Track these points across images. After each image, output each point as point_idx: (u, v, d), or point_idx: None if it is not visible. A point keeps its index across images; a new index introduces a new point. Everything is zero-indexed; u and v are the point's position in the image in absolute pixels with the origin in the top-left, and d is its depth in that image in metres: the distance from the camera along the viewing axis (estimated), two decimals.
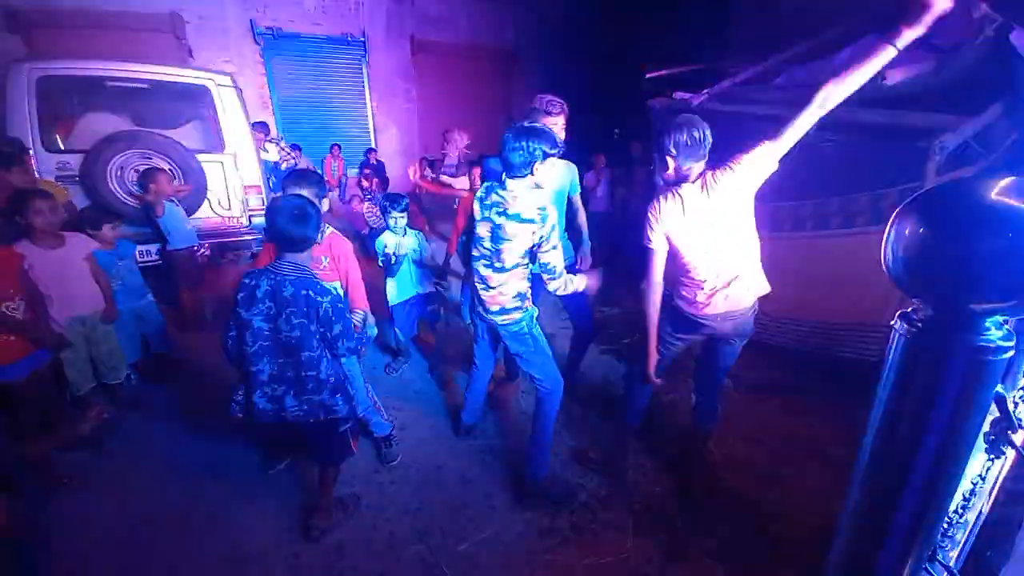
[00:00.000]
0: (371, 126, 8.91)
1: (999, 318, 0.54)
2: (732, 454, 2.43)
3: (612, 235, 5.69)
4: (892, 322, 0.59)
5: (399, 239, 2.82)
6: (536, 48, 9.44)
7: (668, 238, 1.83)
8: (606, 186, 6.06)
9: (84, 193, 3.58)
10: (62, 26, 5.98)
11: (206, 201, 4.12)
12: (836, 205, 2.71)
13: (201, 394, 2.88)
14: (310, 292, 1.61)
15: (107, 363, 2.62)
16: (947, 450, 0.57)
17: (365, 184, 6.10)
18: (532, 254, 1.87)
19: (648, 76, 4.64)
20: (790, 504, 2.10)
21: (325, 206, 2.01)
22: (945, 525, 0.87)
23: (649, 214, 1.83)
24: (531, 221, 1.75)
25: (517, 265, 1.87)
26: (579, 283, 2.01)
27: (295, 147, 7.32)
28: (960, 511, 0.91)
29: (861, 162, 2.72)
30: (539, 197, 1.81)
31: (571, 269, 2.61)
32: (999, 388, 0.57)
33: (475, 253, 1.95)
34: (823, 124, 2.68)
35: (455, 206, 4.16)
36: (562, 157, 2.46)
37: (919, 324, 0.56)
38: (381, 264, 2.84)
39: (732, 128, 3.14)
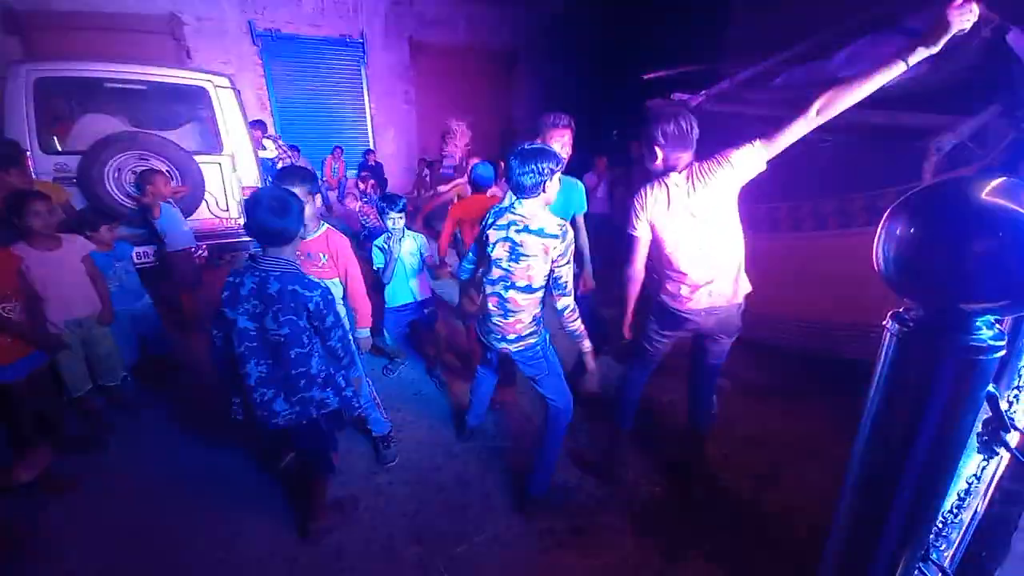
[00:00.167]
0: (369, 127, 8.91)
1: (990, 318, 0.54)
2: (731, 454, 2.43)
3: (612, 236, 5.69)
4: (884, 322, 0.59)
5: (395, 243, 2.80)
6: (535, 49, 9.45)
7: (652, 227, 1.85)
8: (606, 187, 6.07)
9: (81, 194, 3.57)
10: (60, 27, 6.00)
11: (204, 202, 4.12)
12: (833, 205, 2.71)
13: (199, 396, 2.88)
14: (297, 288, 1.56)
15: (104, 365, 2.61)
16: (939, 450, 0.57)
17: (361, 186, 6.09)
18: (550, 274, 1.82)
19: (646, 77, 4.64)
20: (789, 504, 2.11)
21: (318, 202, 2.00)
22: (940, 525, 0.87)
23: (634, 202, 1.86)
24: (554, 236, 1.73)
25: (542, 287, 1.83)
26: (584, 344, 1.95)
27: (294, 148, 7.33)
28: (955, 511, 0.91)
29: (858, 162, 2.73)
30: (552, 216, 1.81)
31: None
32: (991, 388, 0.57)
33: (492, 277, 1.86)
34: (821, 125, 2.68)
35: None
36: (565, 172, 2.48)
37: (910, 324, 0.56)
38: (376, 271, 2.82)
39: (731, 128, 3.14)
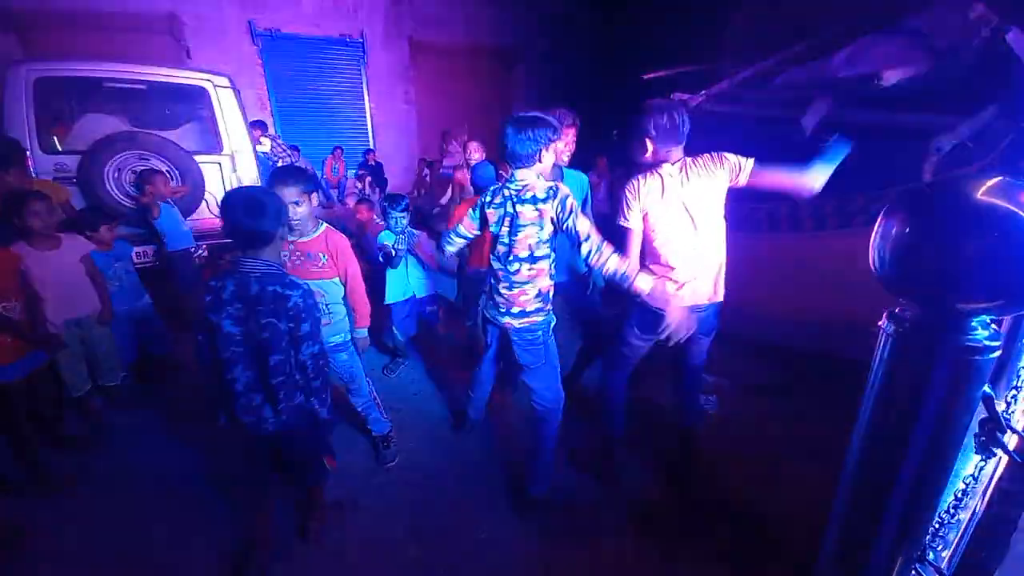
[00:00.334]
0: (369, 127, 8.91)
1: (986, 318, 0.54)
2: (731, 453, 2.42)
3: (614, 235, 5.68)
4: (880, 322, 0.59)
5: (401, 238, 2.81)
6: (535, 49, 9.45)
7: (645, 218, 1.84)
8: (607, 187, 6.07)
9: (81, 194, 3.57)
10: (59, 27, 5.99)
11: (204, 202, 4.12)
12: (833, 205, 2.71)
13: (198, 395, 2.88)
14: (277, 288, 1.49)
15: (104, 364, 2.62)
16: (934, 450, 0.57)
17: (359, 185, 6.10)
18: (551, 241, 1.79)
19: (646, 77, 4.65)
20: (789, 503, 2.10)
21: (315, 201, 2.00)
22: (937, 525, 0.87)
23: (627, 192, 1.83)
24: (545, 200, 1.71)
25: (545, 256, 1.79)
26: (642, 283, 1.71)
27: (294, 147, 7.34)
28: (953, 511, 0.91)
29: (858, 162, 2.72)
30: (543, 181, 1.77)
31: (581, 287, 2.60)
32: (986, 388, 0.57)
33: (497, 252, 1.85)
34: (823, 124, 2.69)
35: (453, 208, 4.15)
36: (569, 166, 2.47)
37: (906, 324, 0.56)
38: (381, 259, 2.83)
39: (731, 128, 3.15)
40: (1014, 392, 0.83)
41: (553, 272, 1.88)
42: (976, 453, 0.77)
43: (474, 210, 1.92)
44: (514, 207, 1.74)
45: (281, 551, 1.89)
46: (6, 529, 1.99)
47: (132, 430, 2.65)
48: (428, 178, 8.04)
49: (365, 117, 8.83)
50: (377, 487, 2.25)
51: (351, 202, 5.12)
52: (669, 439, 2.39)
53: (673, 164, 1.78)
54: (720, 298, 1.96)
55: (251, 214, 1.46)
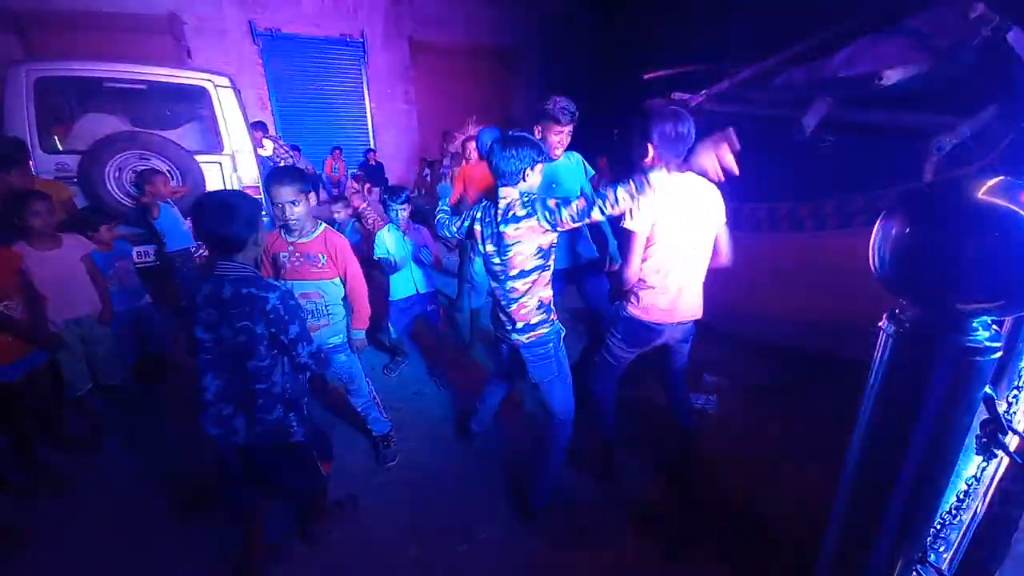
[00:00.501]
0: (370, 127, 8.91)
1: (987, 319, 0.54)
2: (731, 453, 2.42)
3: (615, 235, 5.68)
4: (880, 322, 0.59)
5: (396, 240, 2.81)
6: (535, 48, 9.45)
7: (653, 225, 1.81)
8: (608, 187, 6.05)
9: (82, 194, 3.58)
10: (60, 27, 6.00)
11: None
12: (833, 205, 2.70)
13: (198, 396, 2.87)
14: (252, 290, 1.43)
15: (104, 364, 2.61)
16: (935, 452, 0.56)
17: (355, 185, 6.10)
18: (546, 252, 1.78)
19: (647, 76, 4.64)
20: (789, 503, 2.10)
21: (312, 201, 2.01)
22: (939, 526, 0.86)
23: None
24: (528, 216, 1.69)
25: (536, 268, 1.78)
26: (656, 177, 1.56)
27: (294, 147, 7.33)
28: (954, 512, 0.91)
29: (858, 162, 2.72)
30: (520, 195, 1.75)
31: (595, 268, 2.60)
32: (987, 389, 0.56)
33: (492, 272, 1.85)
34: (823, 124, 2.68)
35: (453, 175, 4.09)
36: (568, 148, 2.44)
37: (906, 324, 0.56)
38: (377, 261, 2.83)
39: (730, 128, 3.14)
40: (1015, 392, 0.83)
41: (550, 283, 1.87)
42: (977, 454, 0.76)
43: (463, 222, 1.91)
44: (499, 227, 1.74)
45: (280, 552, 1.89)
46: (6, 529, 1.99)
47: (132, 430, 2.65)
48: (429, 178, 8.04)
49: (365, 117, 8.83)
50: (377, 487, 2.25)
51: (357, 201, 5.11)
52: (669, 439, 2.39)
53: (682, 173, 1.73)
54: (700, 312, 1.99)
55: (222, 218, 1.42)
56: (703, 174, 1.56)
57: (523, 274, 1.77)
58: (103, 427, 2.61)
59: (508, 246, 1.74)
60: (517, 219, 1.70)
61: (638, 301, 1.91)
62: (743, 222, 3.15)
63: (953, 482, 0.82)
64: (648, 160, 1.78)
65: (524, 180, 1.73)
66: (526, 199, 1.71)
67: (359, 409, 2.32)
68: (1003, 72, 2.23)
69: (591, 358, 2.85)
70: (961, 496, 0.91)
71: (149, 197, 3.35)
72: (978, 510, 0.97)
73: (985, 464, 0.87)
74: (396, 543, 1.97)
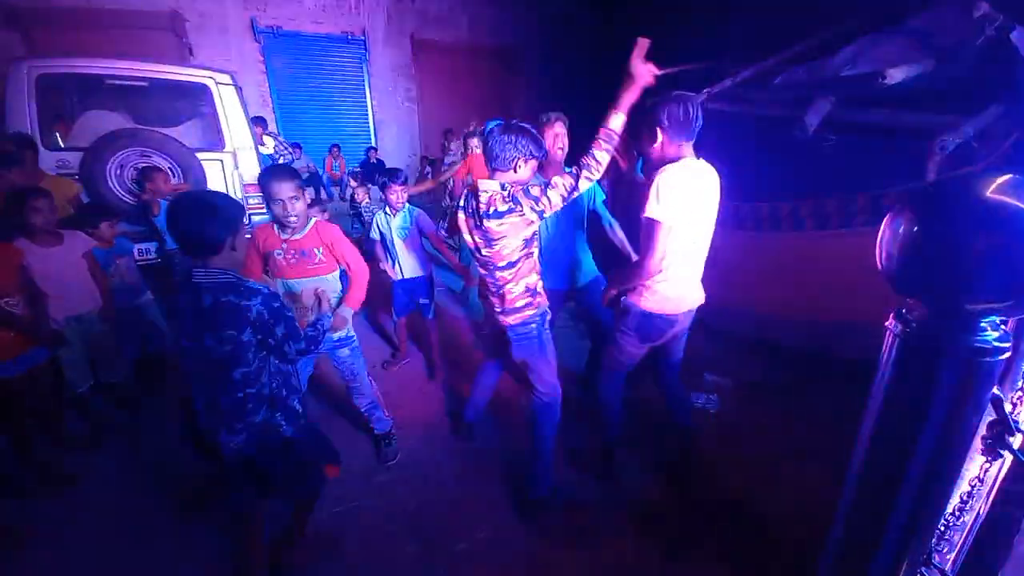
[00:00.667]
0: (371, 125, 8.92)
1: (995, 318, 0.53)
2: (731, 453, 2.42)
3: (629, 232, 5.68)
4: (887, 322, 0.58)
5: (390, 221, 2.85)
6: (536, 47, 9.43)
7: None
8: (609, 185, 6.05)
9: (83, 191, 3.57)
10: (62, 24, 5.99)
11: None
12: (835, 204, 2.70)
13: (189, 404, 2.87)
14: (231, 298, 1.37)
15: (105, 361, 2.61)
16: (942, 453, 0.56)
17: (353, 183, 6.10)
18: (529, 240, 1.78)
19: None
20: (789, 503, 2.10)
21: (307, 197, 2.00)
22: (942, 527, 0.86)
23: (660, 182, 1.65)
24: (511, 210, 1.67)
25: (525, 255, 1.78)
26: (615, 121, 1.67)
27: (296, 145, 7.33)
28: (958, 513, 0.90)
29: (861, 161, 2.72)
30: (499, 189, 1.72)
31: (594, 288, 2.57)
32: (995, 390, 0.56)
33: (480, 261, 1.86)
34: (825, 123, 2.67)
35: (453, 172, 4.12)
36: (567, 163, 2.45)
37: (913, 324, 0.55)
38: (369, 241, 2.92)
39: (732, 127, 3.14)
40: (1020, 393, 0.83)
41: (539, 267, 1.88)
42: (983, 455, 0.76)
43: (446, 218, 1.93)
44: (482, 222, 1.72)
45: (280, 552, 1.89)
46: (6, 529, 1.99)
47: (133, 428, 2.65)
48: (430, 176, 8.05)
49: (367, 115, 8.83)
50: (377, 487, 2.25)
51: (361, 196, 5.14)
52: (669, 439, 2.39)
53: (697, 159, 1.74)
54: (704, 297, 1.96)
55: (199, 219, 1.35)
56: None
57: (510, 265, 1.78)
58: (103, 425, 2.61)
59: (493, 240, 1.73)
60: (500, 214, 1.68)
61: (652, 295, 1.85)
62: (745, 221, 3.14)
63: (956, 483, 0.82)
64: (658, 145, 1.74)
65: (515, 171, 1.71)
66: (507, 192, 1.68)
67: (363, 409, 2.31)
68: (1006, 71, 2.22)
69: (598, 361, 2.85)
70: (964, 497, 0.91)
71: (150, 194, 3.34)
72: (980, 511, 0.96)
73: (989, 465, 0.87)
74: (396, 541, 1.96)
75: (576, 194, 1.68)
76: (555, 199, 1.67)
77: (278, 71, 7.86)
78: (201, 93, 4.13)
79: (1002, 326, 0.55)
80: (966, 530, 0.95)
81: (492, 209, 1.68)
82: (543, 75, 9.48)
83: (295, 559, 1.84)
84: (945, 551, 0.92)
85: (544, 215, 1.70)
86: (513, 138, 1.67)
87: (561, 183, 1.66)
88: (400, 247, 2.88)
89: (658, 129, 1.71)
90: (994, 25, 2.18)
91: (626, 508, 2.13)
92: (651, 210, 1.67)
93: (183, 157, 3.85)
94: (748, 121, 3.30)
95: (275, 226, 1.98)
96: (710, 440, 2.49)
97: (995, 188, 0.49)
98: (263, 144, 6.04)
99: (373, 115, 8.84)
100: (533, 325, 1.89)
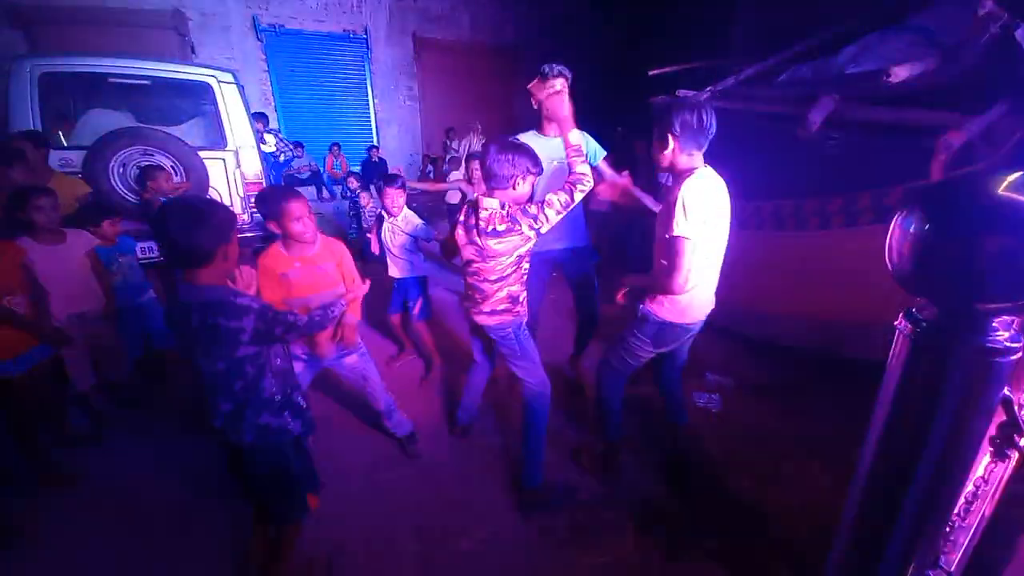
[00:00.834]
0: (373, 123, 8.91)
1: (1007, 318, 0.52)
2: (732, 452, 2.41)
3: (616, 234, 5.67)
4: (896, 322, 0.57)
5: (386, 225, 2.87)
6: (538, 46, 9.40)
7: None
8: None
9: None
10: (64, 22, 6.00)
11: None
12: (840, 203, 2.69)
13: (202, 392, 2.87)
14: (220, 321, 1.28)
15: (108, 360, 2.62)
16: (951, 454, 0.55)
17: (353, 184, 6.05)
18: (523, 255, 1.82)
19: (652, 73, 4.62)
20: (791, 503, 2.09)
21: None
22: (948, 529, 0.85)
23: (685, 197, 1.57)
24: (509, 229, 1.70)
25: (513, 270, 1.83)
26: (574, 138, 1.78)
27: (298, 144, 7.32)
28: (963, 514, 0.90)
29: (865, 160, 2.70)
30: (499, 209, 1.74)
31: (584, 256, 2.60)
32: (1006, 391, 0.55)
33: (468, 270, 1.89)
34: (828, 121, 2.65)
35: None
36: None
37: (923, 324, 0.55)
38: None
39: (736, 125, 3.13)
40: None
41: (524, 279, 1.91)
42: (991, 456, 0.75)
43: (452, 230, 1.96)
44: (480, 239, 1.75)
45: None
46: (8, 527, 1.99)
47: (136, 426, 2.65)
48: (432, 174, 8.04)
49: (369, 113, 8.83)
50: (377, 487, 2.25)
51: (364, 199, 5.14)
52: (669, 439, 2.39)
53: (706, 167, 1.68)
54: (714, 303, 1.95)
55: (188, 226, 1.24)
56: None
57: (501, 278, 1.84)
58: (106, 424, 2.62)
59: (490, 257, 1.78)
60: (498, 233, 1.72)
61: (673, 304, 1.79)
62: (749, 220, 3.13)
63: None
64: (668, 152, 1.66)
65: (514, 188, 1.73)
66: (505, 212, 1.72)
67: (381, 408, 2.31)
68: (1011, 69, 2.20)
69: (584, 338, 2.87)
70: (969, 498, 0.90)
71: (152, 193, 3.34)
72: (985, 512, 0.96)
73: (994, 466, 0.86)
74: (397, 540, 1.96)
75: (572, 206, 1.74)
76: (552, 215, 1.71)
77: (280, 69, 7.86)
78: (203, 92, 4.13)
79: (1013, 325, 0.54)
80: (971, 531, 0.94)
81: (491, 228, 1.71)
82: None
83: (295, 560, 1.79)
84: (949, 552, 0.91)
85: (541, 231, 1.74)
86: (511, 156, 1.68)
87: (556, 200, 1.71)
88: (392, 248, 2.91)
89: (670, 136, 1.62)
90: (999, 23, 2.17)
91: (627, 507, 2.12)
92: (679, 227, 1.58)
93: (185, 156, 3.85)
94: (752, 119, 3.29)
95: (281, 245, 1.93)
96: (712, 439, 2.48)
97: (1007, 186, 0.48)
98: (264, 142, 6.04)
99: (375, 113, 8.83)
100: (509, 330, 1.95)
